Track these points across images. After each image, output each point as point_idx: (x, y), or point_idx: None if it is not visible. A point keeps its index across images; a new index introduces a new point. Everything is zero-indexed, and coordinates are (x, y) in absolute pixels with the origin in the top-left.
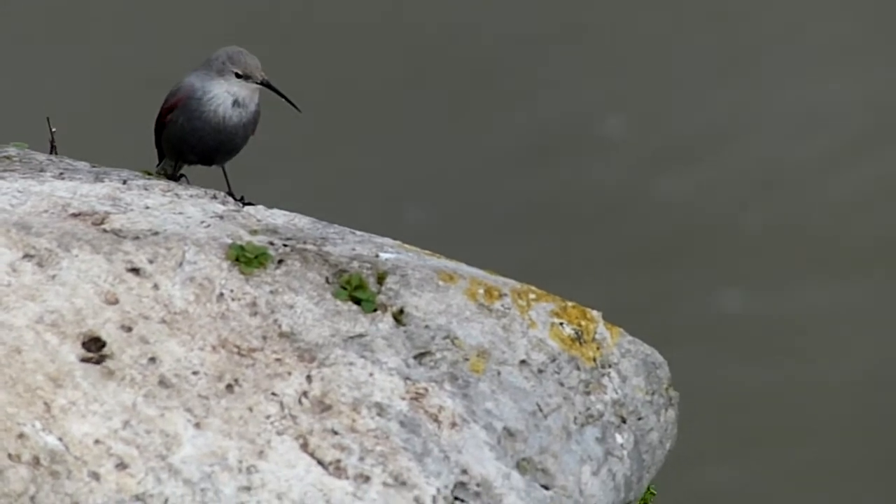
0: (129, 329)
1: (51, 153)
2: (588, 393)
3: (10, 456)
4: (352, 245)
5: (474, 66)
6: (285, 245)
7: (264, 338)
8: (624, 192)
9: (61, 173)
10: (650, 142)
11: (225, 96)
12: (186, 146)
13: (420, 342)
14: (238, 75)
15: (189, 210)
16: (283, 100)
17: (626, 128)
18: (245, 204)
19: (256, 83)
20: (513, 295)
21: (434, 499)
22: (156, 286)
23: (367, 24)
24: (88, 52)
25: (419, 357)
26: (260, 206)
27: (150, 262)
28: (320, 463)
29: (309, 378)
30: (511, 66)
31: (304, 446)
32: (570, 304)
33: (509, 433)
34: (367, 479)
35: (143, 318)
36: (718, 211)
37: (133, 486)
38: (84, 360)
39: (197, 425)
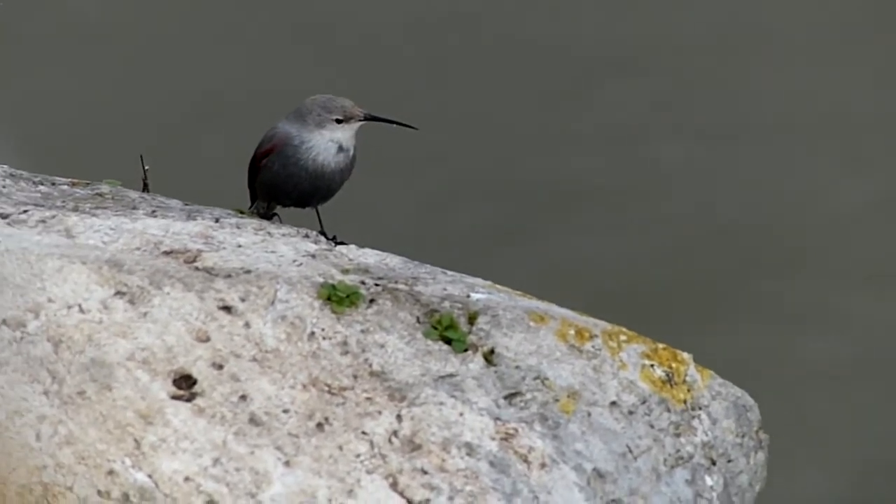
0: (220, 367)
1: (143, 191)
2: (678, 435)
3: (99, 492)
4: (443, 285)
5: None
6: (377, 284)
7: (355, 377)
8: None
9: (154, 211)
10: None
11: (327, 144)
12: (281, 192)
13: (510, 382)
14: (339, 121)
15: (281, 249)
16: (393, 124)
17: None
18: (337, 243)
19: (360, 121)
20: (603, 336)
21: None
22: (247, 324)
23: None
24: (181, 89)
25: (509, 397)
26: (352, 246)
27: (242, 300)
28: (410, 502)
29: (399, 417)
30: None
31: (394, 485)
32: (660, 345)
33: (599, 474)
34: None
35: (234, 355)
36: None
37: None
38: (175, 397)
39: (287, 463)
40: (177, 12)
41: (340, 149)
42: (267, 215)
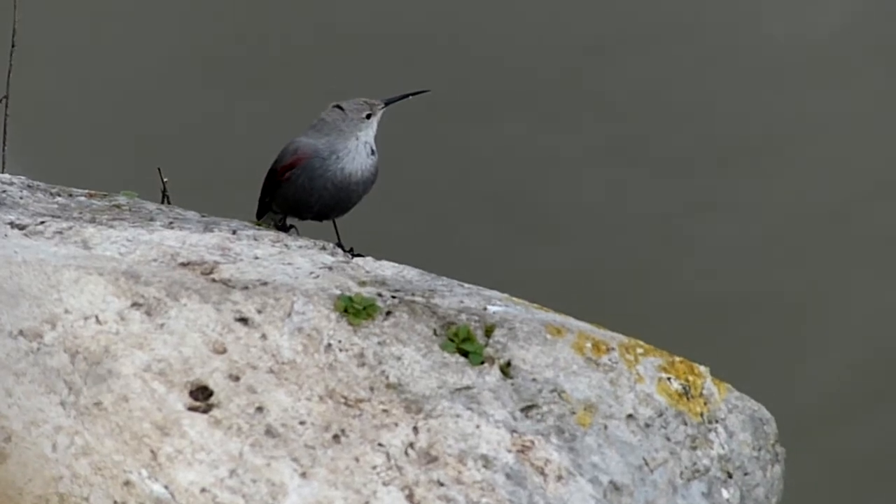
0: (237, 378)
1: (162, 202)
2: (695, 448)
3: (115, 503)
4: (460, 297)
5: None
6: (394, 297)
7: (371, 389)
8: None
9: (171, 222)
10: None
11: (361, 148)
12: (304, 205)
13: (527, 395)
14: (368, 115)
15: (298, 261)
16: (409, 97)
17: None
18: (354, 255)
19: (381, 108)
20: (620, 349)
21: None
22: (264, 336)
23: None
24: (199, 101)
25: (526, 410)
26: (369, 258)
27: (259, 312)
28: None
29: (416, 429)
30: None
31: (410, 497)
32: (677, 358)
33: (615, 487)
34: None
35: (250, 367)
36: None
37: None
38: (191, 408)
39: (303, 475)
40: (196, 20)
41: (371, 152)
42: (283, 227)
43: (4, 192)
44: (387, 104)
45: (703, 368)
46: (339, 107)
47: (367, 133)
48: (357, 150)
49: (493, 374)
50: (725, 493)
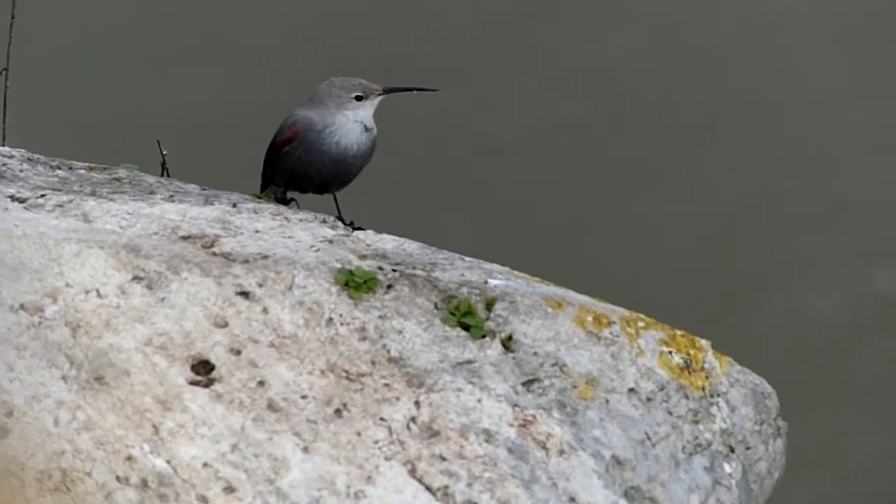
0: (238, 352)
1: (162, 175)
2: (696, 422)
3: (118, 478)
4: (461, 271)
5: None
6: (394, 270)
7: (373, 363)
8: None
9: (171, 196)
10: None
11: (352, 125)
12: (304, 178)
13: (528, 369)
14: (359, 97)
15: (299, 234)
16: (413, 91)
17: None
18: (355, 229)
19: (379, 95)
20: (621, 323)
21: None
22: (265, 310)
23: None
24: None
25: (527, 384)
26: (369, 231)
27: (260, 285)
28: (428, 489)
29: (417, 403)
30: None
31: (412, 472)
32: (679, 332)
33: (617, 461)
34: None
35: (252, 341)
36: None
37: None
38: (193, 382)
39: (305, 450)
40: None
41: (365, 129)
42: (283, 200)
43: (4, 165)
44: (386, 92)
45: (704, 342)
46: (332, 83)
47: (358, 113)
48: (347, 126)
49: (494, 348)
50: (727, 468)
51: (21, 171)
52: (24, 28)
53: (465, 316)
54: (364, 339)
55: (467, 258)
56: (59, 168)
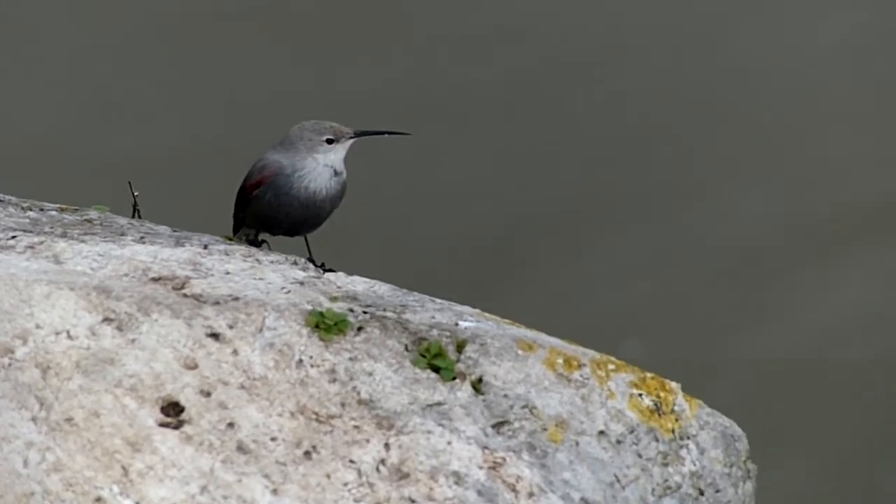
0: (208, 394)
1: (133, 217)
2: (666, 464)
3: None
4: (431, 313)
5: None
6: (365, 312)
7: (343, 405)
8: None
9: (142, 237)
10: None
11: (322, 169)
12: (274, 221)
13: (498, 411)
14: (330, 140)
15: (269, 276)
16: (385, 135)
17: None
18: (326, 270)
19: (350, 138)
20: (592, 365)
21: None
22: (235, 352)
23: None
24: (169, 118)
25: (497, 426)
26: (340, 273)
27: (230, 327)
28: None
29: (387, 446)
30: None
31: None
32: (649, 375)
33: None
34: None
35: (222, 383)
36: None
37: None
38: (162, 424)
39: (274, 491)
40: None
41: (335, 173)
42: (255, 242)
43: None
44: (357, 135)
45: (674, 384)
46: (303, 126)
47: (328, 157)
48: (317, 171)
49: (464, 390)
50: None
51: None
52: None
53: (436, 358)
54: (334, 380)
55: (438, 300)
56: (31, 209)
